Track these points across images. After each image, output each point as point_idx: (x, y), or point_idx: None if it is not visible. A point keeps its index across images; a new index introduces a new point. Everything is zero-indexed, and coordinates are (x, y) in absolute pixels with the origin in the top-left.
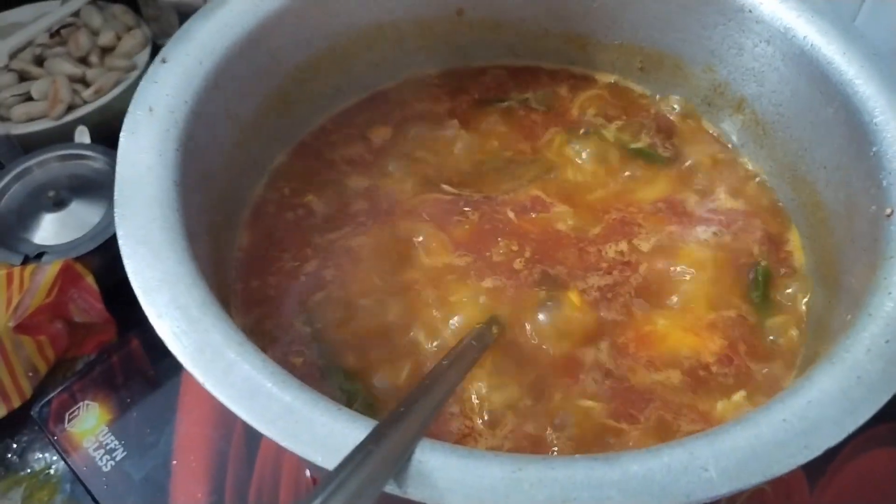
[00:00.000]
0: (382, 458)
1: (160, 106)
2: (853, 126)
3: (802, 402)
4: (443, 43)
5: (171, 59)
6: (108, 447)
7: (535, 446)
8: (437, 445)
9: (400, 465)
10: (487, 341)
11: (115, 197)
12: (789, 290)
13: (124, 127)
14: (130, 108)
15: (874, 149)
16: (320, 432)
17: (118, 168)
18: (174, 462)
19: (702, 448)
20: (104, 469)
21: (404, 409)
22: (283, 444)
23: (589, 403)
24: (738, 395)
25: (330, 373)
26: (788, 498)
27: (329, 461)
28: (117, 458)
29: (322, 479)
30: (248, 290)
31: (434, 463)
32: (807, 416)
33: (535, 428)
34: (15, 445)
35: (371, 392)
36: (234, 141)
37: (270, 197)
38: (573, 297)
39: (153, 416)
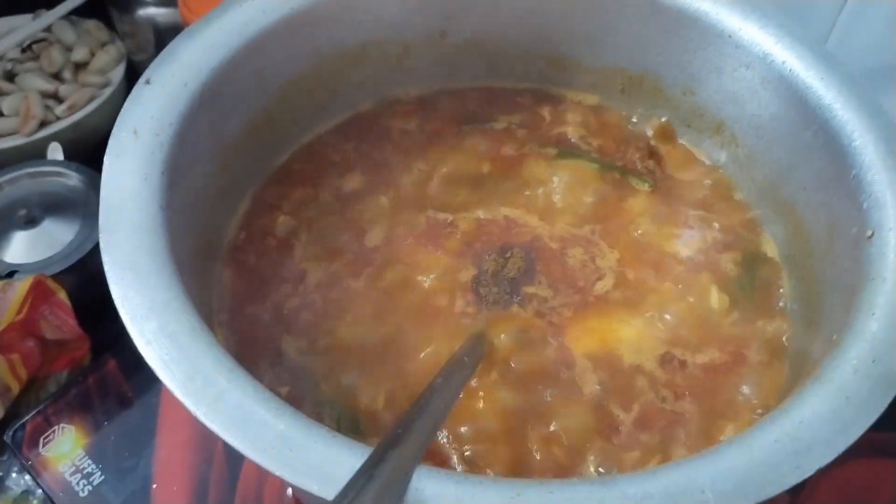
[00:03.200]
0: (382, 485)
1: (145, 129)
2: (832, 149)
3: (794, 422)
4: (426, 64)
5: (156, 81)
6: (84, 471)
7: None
8: (433, 472)
9: (400, 492)
10: (479, 356)
11: (101, 222)
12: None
13: (108, 150)
14: (114, 131)
15: (854, 171)
16: (315, 460)
17: (102, 193)
18: (154, 486)
19: (698, 470)
20: (81, 494)
21: (401, 431)
22: (278, 473)
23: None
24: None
25: (317, 398)
26: None
27: (325, 490)
28: (94, 483)
29: None
30: (233, 317)
31: (432, 490)
32: (799, 436)
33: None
34: None
35: (357, 415)
36: (219, 163)
37: (253, 220)
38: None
39: (131, 439)
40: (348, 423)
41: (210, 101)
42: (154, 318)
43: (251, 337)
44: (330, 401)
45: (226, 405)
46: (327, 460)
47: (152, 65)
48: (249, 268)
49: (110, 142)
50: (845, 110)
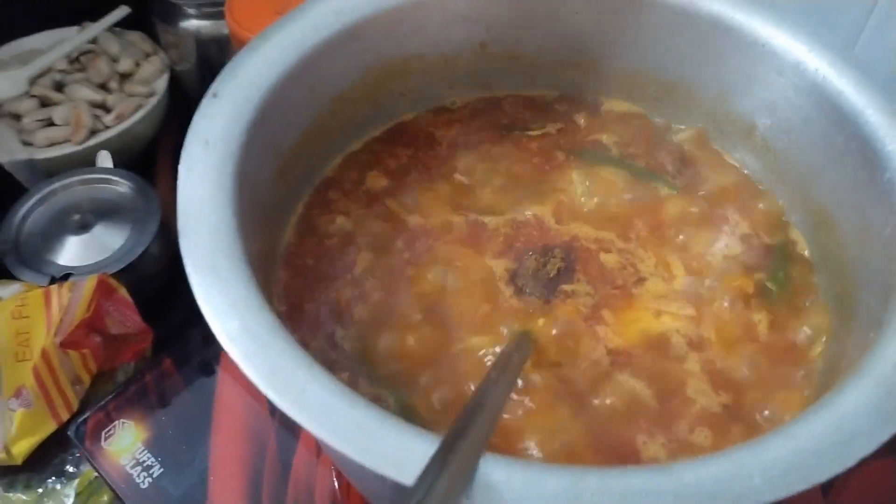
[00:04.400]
0: (455, 471)
1: (215, 139)
2: (865, 153)
3: (836, 414)
4: (465, 74)
5: (222, 94)
6: (144, 464)
7: None
8: (499, 459)
9: (470, 477)
10: (526, 353)
11: (179, 228)
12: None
13: (182, 160)
14: (187, 142)
15: (887, 175)
16: (391, 448)
17: (179, 201)
18: (211, 478)
19: (747, 458)
20: (142, 486)
21: (465, 421)
22: (359, 460)
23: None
24: None
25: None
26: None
27: (403, 475)
28: (154, 475)
29: (403, 492)
30: (291, 314)
31: (499, 476)
32: (842, 427)
33: None
34: (70, 458)
35: (411, 404)
36: (277, 171)
37: (307, 224)
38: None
39: (188, 434)
40: (401, 412)
41: (270, 113)
42: (236, 317)
43: (308, 333)
44: (386, 388)
45: (308, 399)
46: (402, 448)
47: (218, 79)
48: (305, 268)
49: (183, 152)
50: (877, 115)
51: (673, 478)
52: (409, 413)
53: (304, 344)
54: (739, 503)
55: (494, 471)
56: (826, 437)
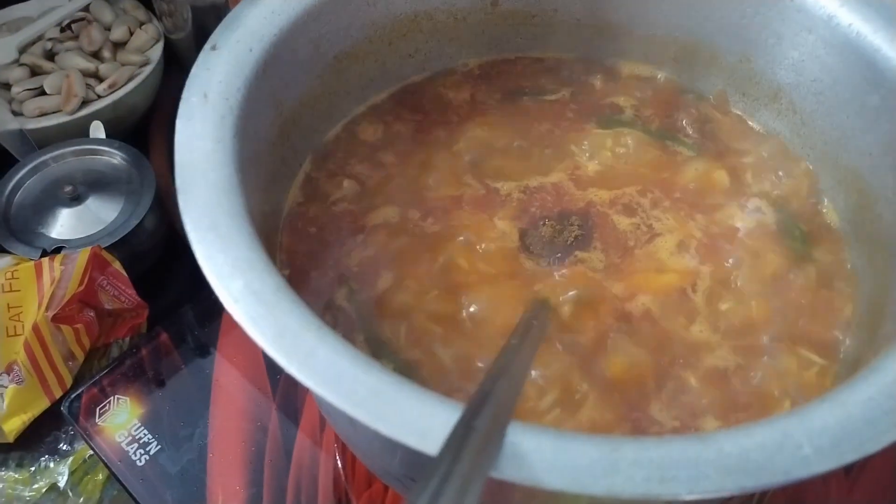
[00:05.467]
0: (483, 439)
1: (214, 93)
2: None
3: (887, 380)
4: (476, 34)
5: (222, 46)
6: (141, 441)
7: None
8: (528, 427)
9: (498, 445)
10: (546, 321)
11: (178, 183)
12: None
13: (180, 113)
14: (184, 95)
15: None
16: (410, 414)
17: (177, 155)
18: (210, 455)
19: (794, 427)
20: (139, 463)
21: (489, 386)
22: (375, 426)
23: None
24: None
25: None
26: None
27: (423, 443)
28: (151, 452)
29: (429, 464)
30: (295, 278)
31: (528, 444)
32: (893, 394)
33: None
34: (64, 435)
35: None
36: (279, 130)
37: (313, 186)
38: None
39: (186, 410)
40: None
41: (272, 67)
42: (239, 277)
43: (312, 299)
44: (390, 354)
45: (317, 361)
46: (422, 414)
47: (217, 30)
48: (310, 233)
49: (181, 106)
50: None
51: (713, 447)
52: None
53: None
54: (789, 475)
55: (523, 439)
56: (876, 404)
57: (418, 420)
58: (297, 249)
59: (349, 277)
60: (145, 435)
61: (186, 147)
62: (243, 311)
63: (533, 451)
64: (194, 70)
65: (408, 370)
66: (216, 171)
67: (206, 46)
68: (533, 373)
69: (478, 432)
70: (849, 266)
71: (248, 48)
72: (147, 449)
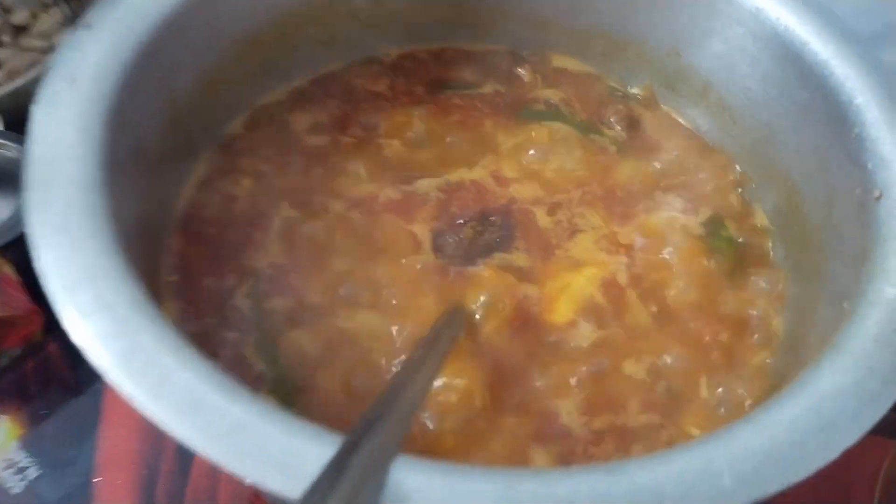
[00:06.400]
0: (357, 478)
1: (84, 76)
2: (831, 109)
3: (814, 396)
4: (397, 21)
5: (98, 25)
6: (19, 466)
7: None
8: (415, 463)
9: (378, 486)
10: (458, 329)
11: (27, 179)
12: (762, 280)
13: (39, 98)
14: (48, 79)
15: (856, 130)
16: (278, 451)
17: (31, 146)
18: (97, 479)
19: (714, 453)
20: (13, 491)
21: (376, 415)
22: (232, 468)
23: None
24: None
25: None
26: None
27: (290, 487)
28: (30, 478)
29: None
30: (185, 286)
31: (414, 484)
32: (821, 411)
33: None
34: None
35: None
36: (169, 121)
37: (211, 185)
38: None
39: (72, 429)
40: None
41: (158, 51)
42: (89, 288)
43: (204, 308)
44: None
45: (172, 387)
46: (292, 451)
47: (93, 8)
48: (206, 235)
49: (42, 90)
50: (844, 67)
51: (626, 479)
52: (307, 403)
53: (198, 319)
54: None
55: (409, 476)
56: (805, 423)
57: (288, 458)
58: (191, 253)
59: (247, 284)
60: (25, 458)
61: (44, 138)
62: (90, 328)
63: (419, 491)
64: (62, 51)
65: (301, 390)
66: (76, 166)
67: (79, 24)
68: (438, 383)
69: (352, 473)
70: (776, 268)
71: (128, 28)
72: (25, 474)
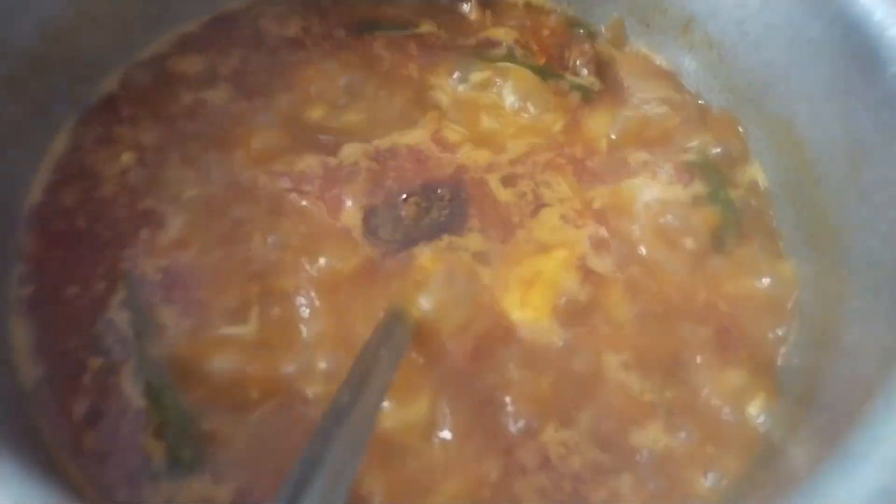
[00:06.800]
0: None
1: None
2: (854, 43)
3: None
4: None
5: None
6: None
7: None
8: None
9: None
10: (402, 344)
11: None
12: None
13: None
14: None
15: (892, 69)
16: None
17: None
18: None
19: None
20: None
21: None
22: None
23: None
24: None
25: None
26: None
27: None
28: None
29: None
30: (38, 301)
31: None
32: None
33: None
34: None
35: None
36: (5, 80)
37: (75, 162)
38: None
39: None
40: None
41: None
42: None
43: (70, 324)
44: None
45: None
46: None
47: None
48: (71, 228)
49: None
50: None
51: None
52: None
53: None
54: None
55: None
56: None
57: None
58: (49, 255)
59: (128, 295)
60: None
61: None
62: None
63: None
64: None
65: (202, 442)
66: None
67: None
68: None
69: None
70: (782, 250)
71: None
72: None
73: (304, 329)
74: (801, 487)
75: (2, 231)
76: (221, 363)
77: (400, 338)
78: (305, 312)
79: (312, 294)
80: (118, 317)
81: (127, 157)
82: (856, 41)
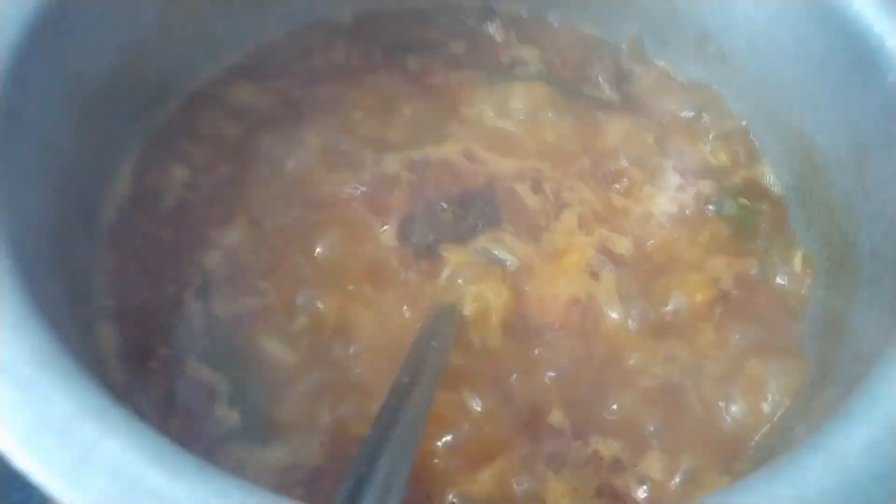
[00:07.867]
0: None
1: None
2: (856, 55)
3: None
4: None
5: None
6: None
7: None
8: None
9: None
10: (450, 336)
11: None
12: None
13: None
14: None
15: (891, 78)
16: None
17: None
18: None
19: (782, 490)
20: None
21: (364, 468)
22: None
23: None
24: None
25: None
26: None
27: None
28: None
29: None
30: (121, 308)
31: None
32: None
33: None
34: None
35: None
36: (80, 112)
37: (143, 181)
38: None
39: None
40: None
41: (59, 25)
42: None
43: (148, 328)
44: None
45: (96, 466)
46: None
47: None
48: (145, 240)
49: None
50: (868, 6)
51: None
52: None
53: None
54: None
55: None
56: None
57: None
58: (125, 268)
59: (195, 301)
60: None
61: None
62: None
63: None
64: None
65: (266, 421)
66: None
67: None
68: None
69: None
70: (796, 248)
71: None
72: None
73: (358, 314)
74: (807, 443)
75: (86, 250)
76: (279, 347)
77: (449, 329)
78: (356, 309)
79: (365, 288)
80: (192, 309)
81: (188, 175)
82: (857, 53)
